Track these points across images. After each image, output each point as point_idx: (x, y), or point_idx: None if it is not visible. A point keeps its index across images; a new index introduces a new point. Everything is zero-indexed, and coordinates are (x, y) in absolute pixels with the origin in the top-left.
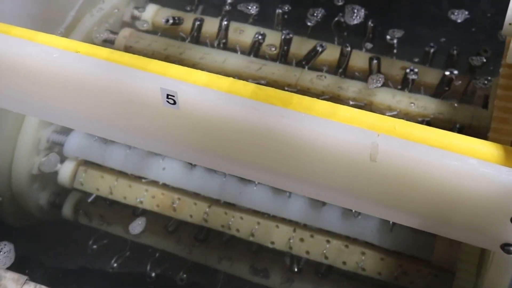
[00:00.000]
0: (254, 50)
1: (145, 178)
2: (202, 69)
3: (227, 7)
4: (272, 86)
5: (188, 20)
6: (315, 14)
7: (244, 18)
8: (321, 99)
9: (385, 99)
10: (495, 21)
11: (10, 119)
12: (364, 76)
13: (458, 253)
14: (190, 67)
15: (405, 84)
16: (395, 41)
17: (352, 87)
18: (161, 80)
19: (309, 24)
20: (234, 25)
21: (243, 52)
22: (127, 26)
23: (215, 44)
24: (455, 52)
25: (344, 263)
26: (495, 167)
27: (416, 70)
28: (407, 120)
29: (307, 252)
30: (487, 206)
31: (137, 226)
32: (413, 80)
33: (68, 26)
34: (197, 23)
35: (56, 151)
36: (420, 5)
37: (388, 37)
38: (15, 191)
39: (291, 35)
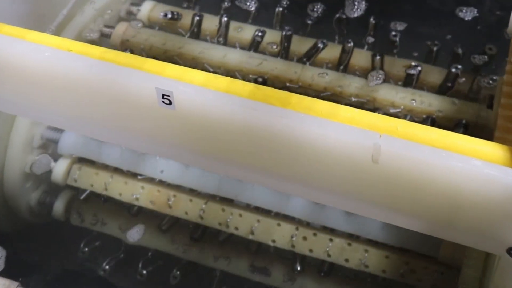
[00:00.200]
0: (254, 47)
1: (141, 175)
2: (202, 64)
3: (226, 4)
4: (273, 82)
5: (186, 17)
6: (315, 9)
7: (242, 16)
8: (323, 96)
9: (388, 95)
10: (502, 19)
11: (1, 115)
12: (366, 74)
13: (465, 249)
14: (190, 61)
15: (408, 81)
16: (397, 38)
17: (354, 83)
18: (156, 80)
19: (309, 22)
20: (233, 24)
21: (242, 49)
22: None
23: (215, 41)
24: (459, 50)
25: (347, 260)
26: (500, 168)
27: (419, 68)
28: (411, 116)
29: (311, 250)
30: (492, 209)
31: (135, 233)
32: (417, 76)
33: (60, 23)
34: (197, 18)
35: (50, 148)
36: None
37: (393, 32)
38: (6, 191)
39: (291, 32)
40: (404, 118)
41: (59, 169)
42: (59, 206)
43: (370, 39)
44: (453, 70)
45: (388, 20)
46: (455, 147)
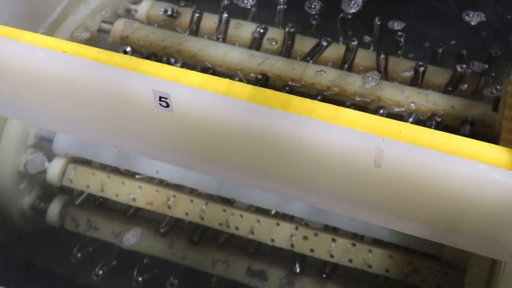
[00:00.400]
0: (256, 45)
1: (139, 174)
2: (202, 61)
3: (225, 1)
4: (275, 81)
5: (185, 15)
6: (312, 6)
7: (240, 15)
8: (327, 94)
9: (393, 94)
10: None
11: None
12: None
13: None
14: (189, 59)
15: (413, 81)
16: (402, 39)
17: (358, 82)
18: (153, 82)
19: (313, 22)
20: (233, 21)
21: (243, 47)
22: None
23: (214, 38)
24: (464, 52)
25: (350, 260)
26: (507, 173)
27: (422, 68)
28: (416, 114)
29: (312, 250)
30: (498, 214)
31: (131, 237)
32: (422, 75)
33: (54, 21)
34: (196, 15)
35: (44, 147)
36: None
37: (399, 33)
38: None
39: (294, 29)
40: (409, 117)
41: (54, 169)
42: (53, 211)
43: (374, 40)
44: (459, 69)
45: (391, 21)
46: (460, 150)
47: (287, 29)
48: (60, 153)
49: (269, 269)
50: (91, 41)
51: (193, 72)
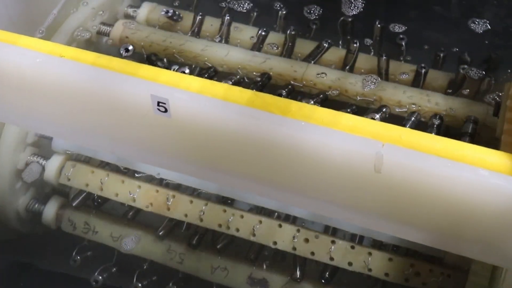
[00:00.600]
0: (257, 47)
1: (138, 173)
2: (204, 61)
3: (225, 5)
4: (276, 80)
5: (186, 19)
6: (311, 12)
7: (240, 20)
8: (328, 94)
9: (395, 95)
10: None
11: None
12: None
13: None
14: (191, 59)
15: (415, 83)
16: (403, 43)
17: (359, 83)
18: (151, 86)
19: (313, 27)
20: (234, 24)
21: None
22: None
23: (216, 40)
24: (466, 56)
25: (350, 263)
26: (507, 178)
27: (424, 70)
28: (418, 113)
29: (312, 253)
30: (500, 220)
31: (129, 241)
32: (424, 77)
33: (52, 24)
34: (199, 17)
35: (44, 145)
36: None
37: (400, 35)
38: None
39: (295, 32)
40: (411, 117)
41: (52, 167)
42: (49, 212)
43: (374, 43)
44: (461, 71)
45: (392, 24)
46: (461, 156)
47: (288, 31)
48: (60, 151)
49: (270, 277)
50: (90, 43)
51: (192, 76)
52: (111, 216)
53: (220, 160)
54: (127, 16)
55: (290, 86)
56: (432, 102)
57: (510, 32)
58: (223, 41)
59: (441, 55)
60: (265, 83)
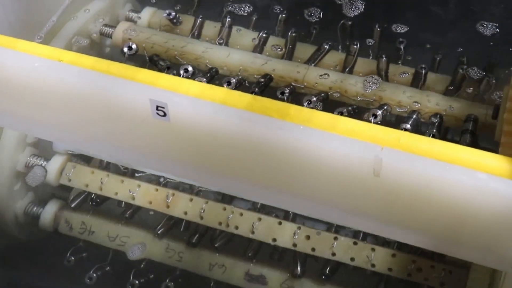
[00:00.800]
0: (258, 49)
1: (138, 172)
2: (205, 63)
3: (226, 8)
4: (278, 82)
5: (186, 22)
6: (312, 14)
7: (240, 24)
8: (329, 94)
9: (395, 95)
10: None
11: None
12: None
13: None
14: (192, 61)
15: (415, 83)
16: (402, 46)
17: (360, 83)
18: (150, 91)
19: (314, 32)
20: (235, 27)
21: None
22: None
23: (217, 43)
24: (464, 59)
25: (352, 259)
26: (506, 182)
27: (424, 71)
28: (419, 113)
29: (313, 249)
30: (498, 224)
31: (136, 250)
32: (424, 77)
33: (51, 29)
34: (199, 20)
35: (44, 145)
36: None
37: (400, 38)
38: None
39: (295, 34)
40: (410, 116)
41: (52, 167)
42: (47, 214)
43: (374, 45)
44: (460, 71)
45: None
46: (459, 159)
47: (289, 33)
48: (61, 151)
49: (268, 273)
50: (92, 46)
51: (191, 81)
52: (108, 216)
53: (219, 164)
54: (129, 20)
55: (291, 87)
56: (432, 102)
57: (510, 32)
58: (223, 44)
59: (439, 57)
60: (267, 84)
